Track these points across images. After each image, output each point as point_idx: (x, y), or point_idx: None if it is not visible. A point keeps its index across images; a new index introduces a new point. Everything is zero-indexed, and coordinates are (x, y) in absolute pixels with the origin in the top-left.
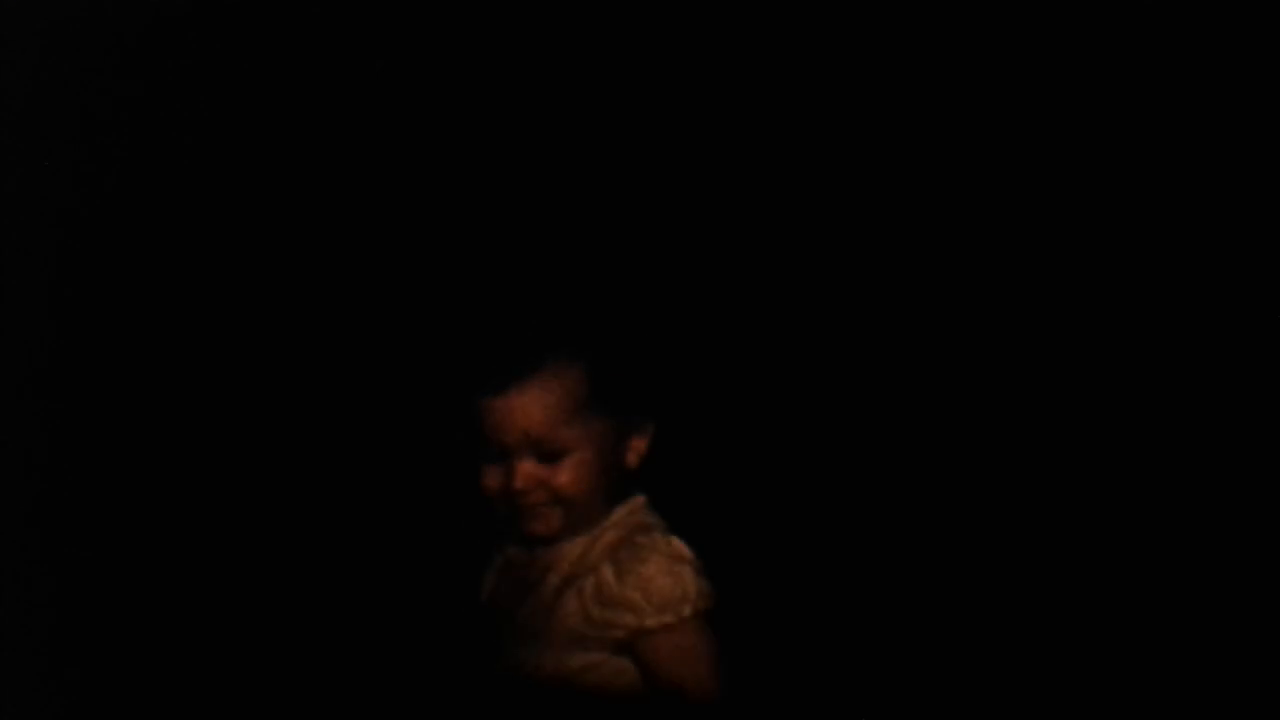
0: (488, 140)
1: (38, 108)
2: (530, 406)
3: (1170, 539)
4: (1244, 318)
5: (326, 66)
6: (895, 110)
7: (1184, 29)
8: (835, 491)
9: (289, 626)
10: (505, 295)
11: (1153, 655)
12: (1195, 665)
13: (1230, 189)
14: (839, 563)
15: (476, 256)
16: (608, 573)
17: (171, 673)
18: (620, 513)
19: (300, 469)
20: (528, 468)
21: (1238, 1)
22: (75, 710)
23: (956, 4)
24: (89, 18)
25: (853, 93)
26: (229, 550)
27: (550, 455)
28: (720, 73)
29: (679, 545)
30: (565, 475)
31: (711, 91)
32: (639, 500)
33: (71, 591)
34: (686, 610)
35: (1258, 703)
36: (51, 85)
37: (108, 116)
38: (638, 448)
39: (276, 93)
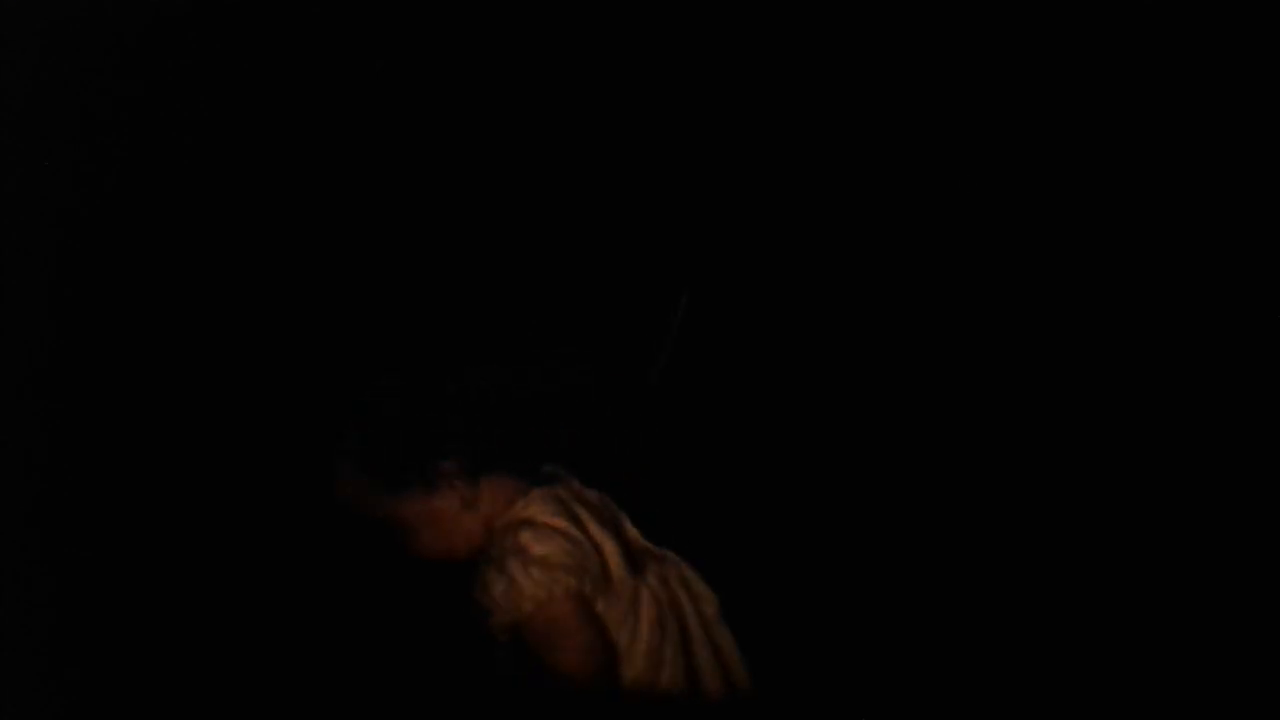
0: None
1: (38, 108)
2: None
3: (1170, 539)
4: (1244, 318)
5: (326, 66)
6: (889, 109)
7: (1184, 29)
8: (833, 491)
9: (288, 626)
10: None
11: (1153, 655)
12: (1195, 665)
13: (1230, 189)
14: (838, 562)
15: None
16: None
17: (171, 673)
18: (507, 514)
19: (300, 468)
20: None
21: (1238, 1)
22: (75, 710)
23: (957, 4)
24: (89, 18)
25: (838, 91)
26: (229, 550)
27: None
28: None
29: (523, 540)
30: (408, 547)
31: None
32: (530, 495)
33: (71, 591)
34: (526, 606)
35: (1257, 703)
36: (51, 85)
37: (108, 116)
38: (455, 495)
39: (276, 93)
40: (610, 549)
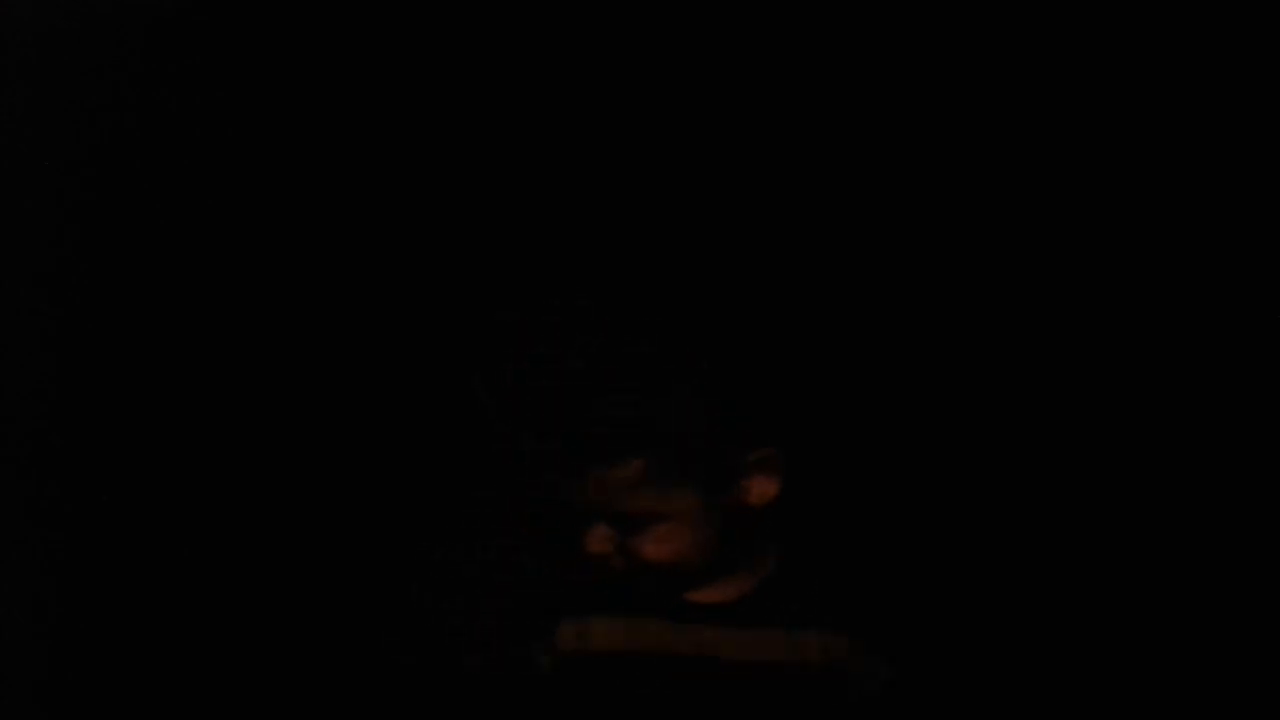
0: (505, 146)
1: (38, 108)
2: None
3: (1170, 539)
4: (1244, 318)
5: (327, 66)
6: (905, 110)
7: (1184, 29)
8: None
9: (290, 628)
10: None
11: (1153, 655)
12: (1195, 665)
13: (1230, 189)
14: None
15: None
16: None
17: (172, 673)
18: None
19: (303, 469)
20: (602, 531)
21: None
22: (75, 710)
23: (957, 4)
24: (89, 17)
25: (860, 92)
26: (230, 550)
27: (633, 524)
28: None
29: None
30: (651, 544)
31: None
32: None
33: (71, 591)
34: None
35: (1258, 703)
36: (51, 85)
37: (108, 116)
38: (760, 487)
39: (276, 93)
40: None
